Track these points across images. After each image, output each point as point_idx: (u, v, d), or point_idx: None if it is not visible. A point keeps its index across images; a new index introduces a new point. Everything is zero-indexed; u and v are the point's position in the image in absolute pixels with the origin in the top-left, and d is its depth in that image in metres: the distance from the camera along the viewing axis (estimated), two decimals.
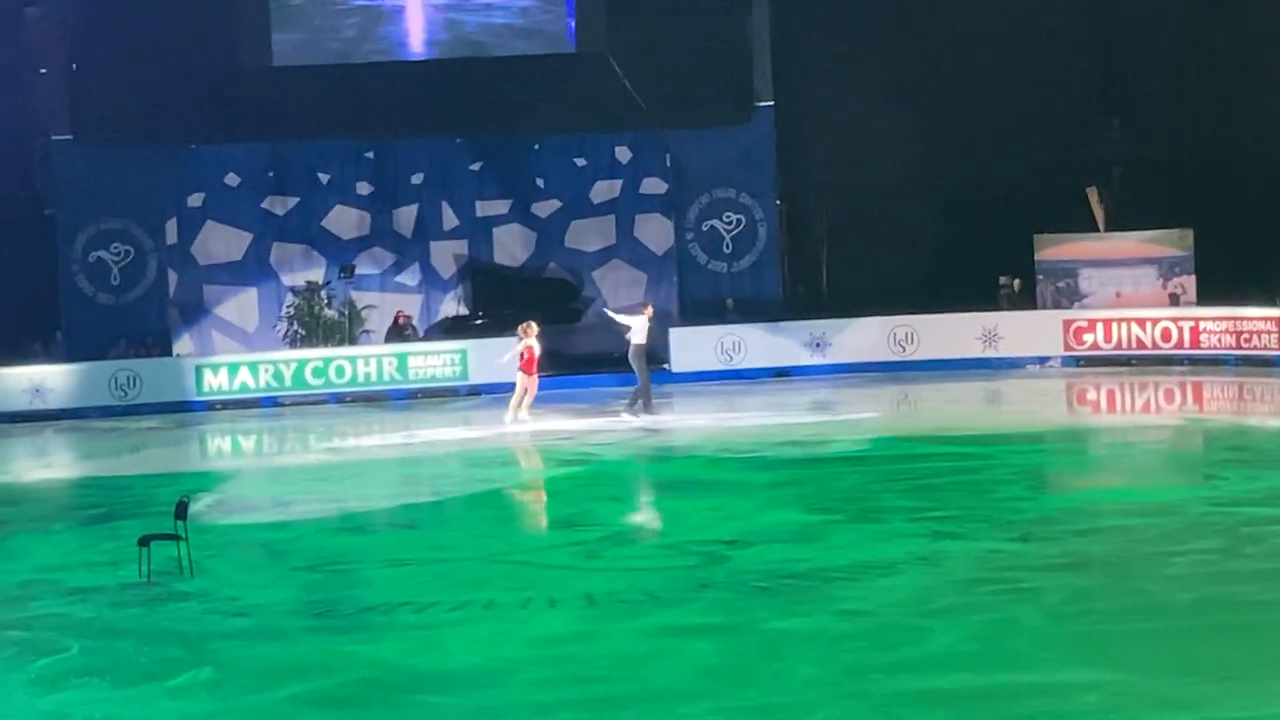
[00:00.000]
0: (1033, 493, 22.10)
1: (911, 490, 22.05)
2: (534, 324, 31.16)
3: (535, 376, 31.09)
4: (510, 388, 31.37)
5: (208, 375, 37.50)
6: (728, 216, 41.23)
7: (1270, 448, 26.58)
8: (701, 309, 40.73)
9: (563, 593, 16.59)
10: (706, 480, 23.94)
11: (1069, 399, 33.87)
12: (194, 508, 19.61)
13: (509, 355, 31.43)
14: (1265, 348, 35.51)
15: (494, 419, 31.54)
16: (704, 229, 41.21)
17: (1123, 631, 14.25)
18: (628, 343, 31.31)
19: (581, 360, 37.94)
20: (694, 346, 38.58)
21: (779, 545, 18.48)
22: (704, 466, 25.43)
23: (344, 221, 41.70)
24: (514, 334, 31.48)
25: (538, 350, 31.03)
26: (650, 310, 32.56)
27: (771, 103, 40.82)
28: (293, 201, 41.63)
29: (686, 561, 18.10)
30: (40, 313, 39.36)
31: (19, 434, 34.98)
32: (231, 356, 38.75)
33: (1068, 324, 37.82)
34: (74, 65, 39.67)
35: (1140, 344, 36.98)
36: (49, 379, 37.02)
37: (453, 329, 40.42)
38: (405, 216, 41.85)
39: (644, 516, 21.54)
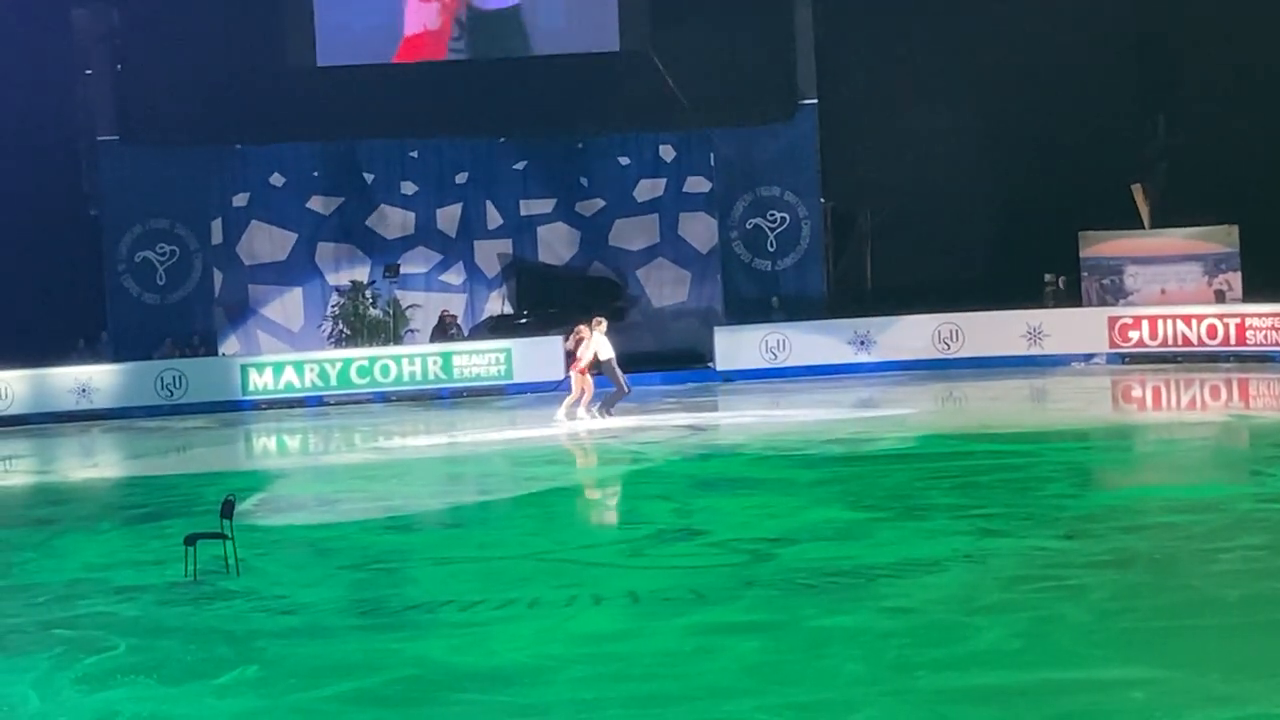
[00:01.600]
0: (1078, 490, 21.98)
1: (956, 488, 21.99)
2: (584, 326, 31.13)
3: (588, 376, 31.06)
4: (554, 386, 31.32)
5: (253, 375, 37.63)
6: (772, 214, 41.19)
7: None
8: (746, 307, 40.67)
9: (607, 591, 16.57)
10: (751, 478, 23.94)
11: (1114, 396, 33.74)
12: (240, 507, 19.65)
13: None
14: None
15: (539, 418, 31.54)
16: (748, 227, 41.18)
17: (1169, 628, 14.19)
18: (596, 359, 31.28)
19: (626, 359, 37.98)
20: (738, 345, 38.54)
21: (824, 543, 18.44)
22: (749, 464, 25.43)
23: (389, 221, 41.81)
24: (560, 334, 31.37)
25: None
26: (603, 324, 31.56)
27: (815, 100, 40.82)
28: (337, 201, 41.74)
29: (731, 559, 18.07)
30: (86, 313, 39.60)
31: (66, 433, 35.18)
32: (277, 356, 38.88)
33: (1113, 321, 37.66)
34: (119, 66, 39.92)
35: (1186, 341, 36.81)
36: (95, 379, 37.19)
37: (497, 328, 40.49)
38: (450, 216, 41.93)
39: (689, 514, 21.50)
